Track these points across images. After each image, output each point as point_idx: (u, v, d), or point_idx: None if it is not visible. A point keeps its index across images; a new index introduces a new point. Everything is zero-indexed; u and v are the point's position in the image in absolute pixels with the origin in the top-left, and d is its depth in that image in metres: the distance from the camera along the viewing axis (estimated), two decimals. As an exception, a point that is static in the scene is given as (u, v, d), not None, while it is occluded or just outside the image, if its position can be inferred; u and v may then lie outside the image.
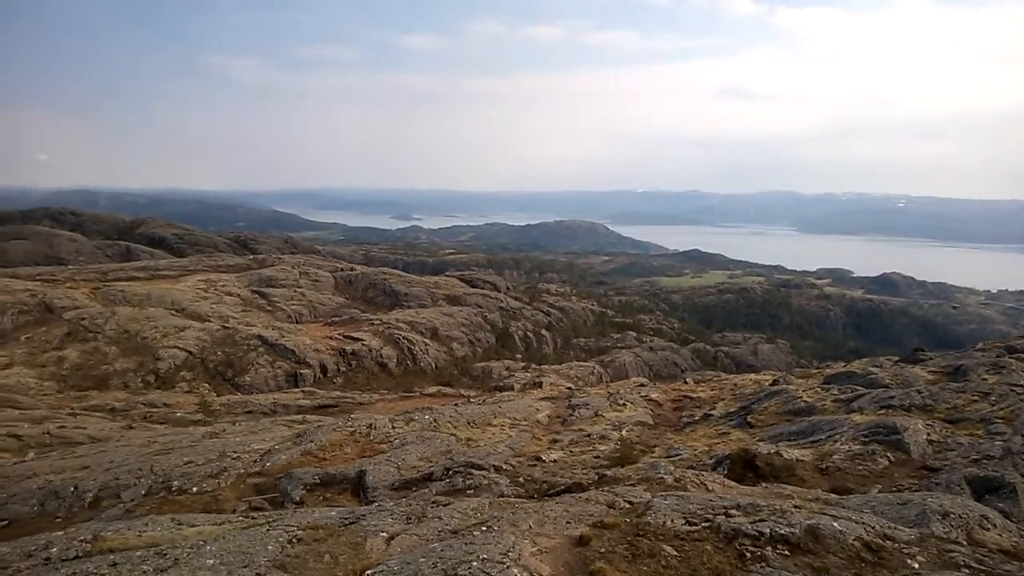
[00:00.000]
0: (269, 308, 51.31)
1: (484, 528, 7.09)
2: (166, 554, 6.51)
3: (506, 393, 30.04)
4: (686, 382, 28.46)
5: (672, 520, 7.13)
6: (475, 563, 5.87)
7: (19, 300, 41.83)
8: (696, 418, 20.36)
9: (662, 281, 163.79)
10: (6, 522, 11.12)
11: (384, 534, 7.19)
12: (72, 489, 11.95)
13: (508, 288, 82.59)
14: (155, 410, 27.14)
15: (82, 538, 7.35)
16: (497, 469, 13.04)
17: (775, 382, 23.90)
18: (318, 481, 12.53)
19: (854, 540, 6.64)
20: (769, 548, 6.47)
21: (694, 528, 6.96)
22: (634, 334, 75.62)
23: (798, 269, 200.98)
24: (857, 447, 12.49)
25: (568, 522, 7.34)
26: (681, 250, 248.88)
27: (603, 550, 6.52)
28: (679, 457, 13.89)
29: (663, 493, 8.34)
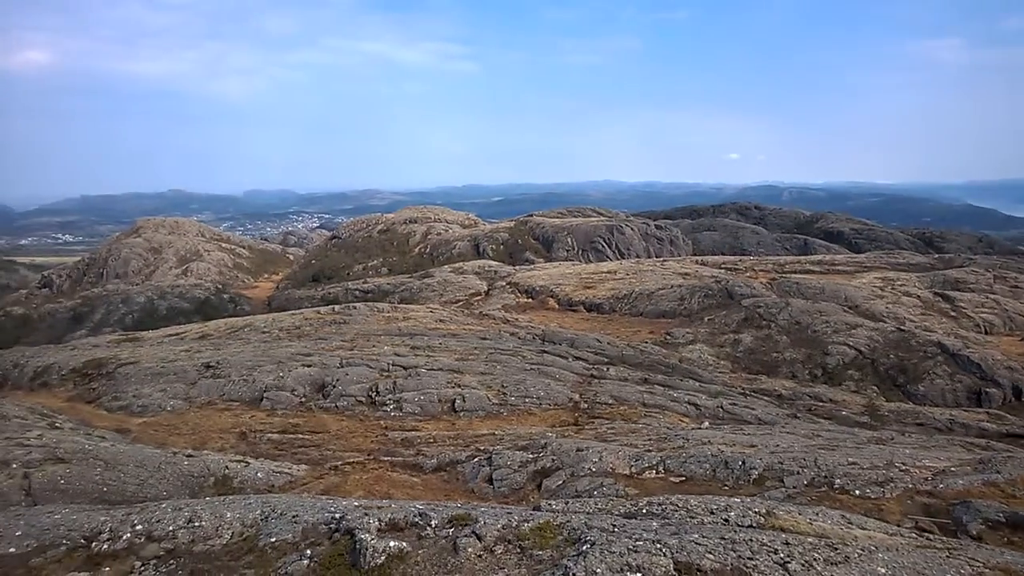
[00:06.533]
0: (953, 313, 45.86)
1: None
2: (837, 548, 6.53)
3: None
4: None
5: None
6: None
7: (705, 285, 48.32)
8: None
9: None
10: (684, 478, 12.35)
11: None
12: (740, 463, 12.49)
13: None
14: (820, 404, 27.08)
15: (756, 511, 8.00)
16: None
17: None
18: (1002, 519, 10.39)
19: None
20: None
21: None
22: None
23: None
24: None
25: None
26: None
27: None
28: None
29: None
